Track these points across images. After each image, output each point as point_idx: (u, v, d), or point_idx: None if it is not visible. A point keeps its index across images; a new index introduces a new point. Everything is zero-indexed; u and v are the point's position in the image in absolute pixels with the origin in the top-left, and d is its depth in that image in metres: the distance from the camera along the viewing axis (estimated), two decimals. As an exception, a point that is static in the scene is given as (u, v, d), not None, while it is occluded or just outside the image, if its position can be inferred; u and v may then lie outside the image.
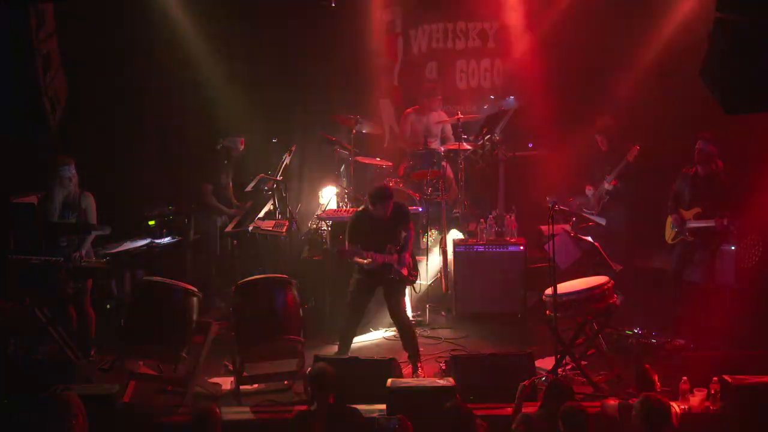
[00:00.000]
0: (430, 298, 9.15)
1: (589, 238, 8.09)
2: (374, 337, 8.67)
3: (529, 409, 5.96)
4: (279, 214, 9.46)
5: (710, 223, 8.36)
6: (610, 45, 10.33)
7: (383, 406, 6.43)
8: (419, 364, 7.69)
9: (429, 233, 9.53)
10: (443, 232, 9.49)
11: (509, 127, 10.46)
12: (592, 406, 6.13)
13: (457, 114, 10.04)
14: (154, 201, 9.91)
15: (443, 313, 9.20)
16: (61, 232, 7.82)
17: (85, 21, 9.49)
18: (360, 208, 7.91)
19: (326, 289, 9.09)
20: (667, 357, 7.65)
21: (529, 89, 10.83)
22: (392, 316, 7.80)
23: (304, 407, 5.97)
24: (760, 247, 9.44)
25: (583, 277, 7.95)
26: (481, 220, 9.41)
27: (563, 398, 5.63)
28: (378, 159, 10.40)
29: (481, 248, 9.22)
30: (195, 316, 7.31)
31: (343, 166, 10.33)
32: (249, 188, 9.42)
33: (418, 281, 8.13)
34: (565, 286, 7.57)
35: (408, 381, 6.97)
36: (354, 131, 10.06)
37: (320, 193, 10.35)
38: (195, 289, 7.41)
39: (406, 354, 7.75)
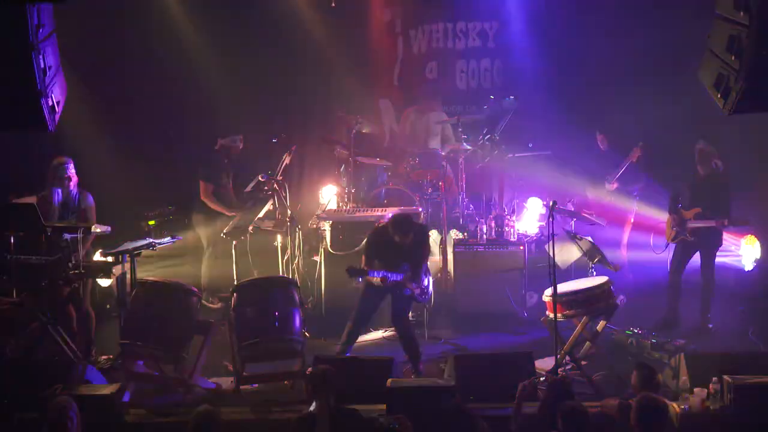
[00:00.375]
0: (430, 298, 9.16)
1: (589, 238, 8.09)
2: (374, 336, 8.67)
3: (529, 409, 5.96)
4: (279, 214, 9.46)
5: (710, 223, 8.36)
6: (609, 44, 10.33)
7: (383, 406, 6.43)
8: (419, 365, 7.69)
9: (429, 233, 9.52)
10: (443, 232, 9.49)
11: (509, 127, 10.47)
12: (592, 406, 6.13)
13: (457, 114, 10.03)
14: (154, 201, 9.92)
15: (443, 313, 9.18)
16: (61, 232, 7.82)
17: (85, 21, 9.50)
18: (381, 225, 7.89)
19: (325, 289, 9.09)
20: (667, 357, 7.64)
21: (529, 89, 10.83)
22: (394, 320, 7.78)
23: (304, 408, 5.95)
24: (760, 247, 9.46)
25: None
26: (481, 220, 9.41)
27: (563, 398, 5.63)
28: (378, 159, 10.40)
29: (481, 248, 9.23)
30: (195, 316, 7.31)
31: (343, 166, 10.34)
32: (249, 188, 9.41)
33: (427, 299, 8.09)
34: (565, 286, 7.57)
35: (408, 381, 6.97)
36: (354, 131, 10.07)
37: (320, 193, 10.35)
38: (195, 289, 7.41)
39: (408, 358, 7.74)
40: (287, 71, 10.86)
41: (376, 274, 7.50)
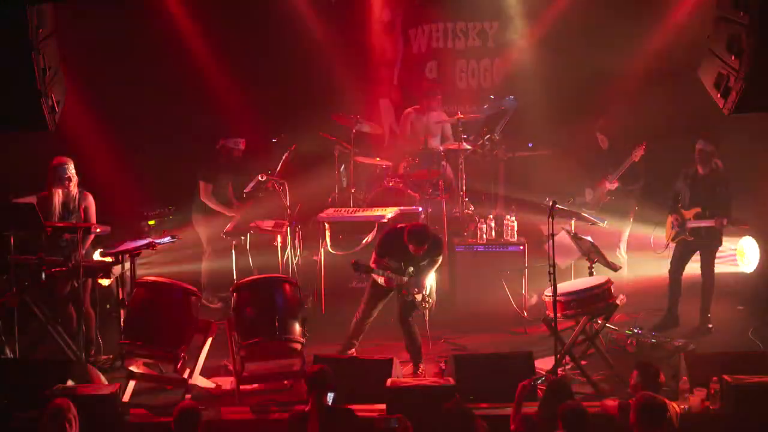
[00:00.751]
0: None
1: (589, 238, 8.08)
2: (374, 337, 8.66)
3: (529, 409, 5.96)
4: (278, 213, 9.45)
5: (710, 223, 8.36)
6: (610, 44, 10.33)
7: (383, 406, 6.43)
8: (420, 364, 7.70)
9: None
10: (443, 233, 9.48)
11: (509, 127, 10.46)
12: (592, 406, 6.13)
13: (457, 114, 10.04)
14: (154, 201, 9.92)
15: (443, 313, 9.17)
16: (60, 232, 7.82)
17: (86, 21, 9.51)
18: (398, 227, 7.88)
19: (325, 289, 9.08)
20: (667, 357, 7.64)
21: (529, 89, 10.83)
22: (399, 319, 7.80)
23: (303, 407, 5.96)
24: (760, 247, 9.46)
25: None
26: (481, 220, 9.41)
27: (563, 398, 5.63)
28: (378, 159, 10.40)
29: (481, 248, 9.23)
30: (195, 316, 7.31)
31: (343, 166, 10.33)
32: (248, 188, 9.41)
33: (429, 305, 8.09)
34: (565, 286, 7.57)
35: (408, 381, 6.97)
36: (354, 131, 10.07)
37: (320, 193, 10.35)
38: (195, 289, 7.40)
39: (407, 354, 7.76)
40: (287, 71, 10.86)
41: (381, 273, 7.53)
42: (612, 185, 9.44)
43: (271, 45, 10.84)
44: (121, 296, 7.83)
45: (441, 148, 10.39)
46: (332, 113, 10.26)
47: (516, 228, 9.33)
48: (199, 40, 10.60)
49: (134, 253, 7.79)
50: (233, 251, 8.73)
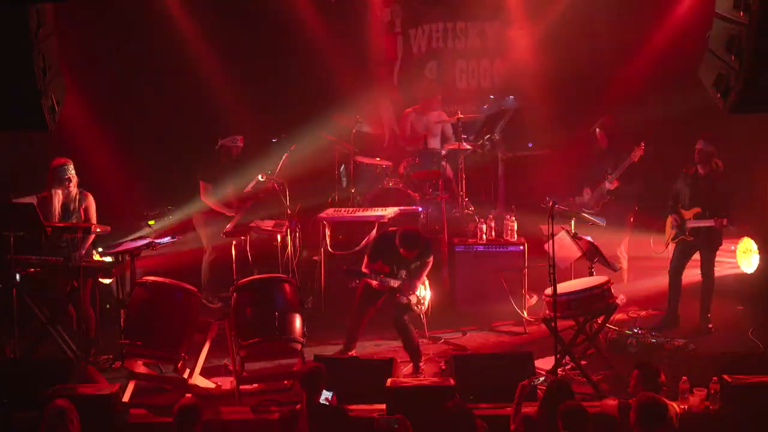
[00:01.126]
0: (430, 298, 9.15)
1: (589, 238, 8.08)
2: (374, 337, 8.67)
3: (529, 409, 5.96)
4: (279, 213, 9.44)
5: (710, 223, 8.36)
6: (610, 44, 10.33)
7: (383, 406, 6.43)
8: (420, 364, 7.70)
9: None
10: (443, 232, 9.48)
11: (509, 127, 10.46)
12: (592, 406, 6.13)
13: (457, 114, 10.04)
14: (154, 201, 9.91)
15: (443, 313, 9.17)
16: (60, 232, 7.82)
17: (86, 21, 9.51)
18: (389, 231, 7.94)
19: (325, 289, 9.09)
20: (667, 357, 7.64)
21: (529, 89, 10.83)
22: (394, 320, 7.81)
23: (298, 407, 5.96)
24: (760, 247, 9.45)
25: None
26: (481, 220, 9.41)
27: (563, 398, 5.63)
28: (378, 159, 10.40)
29: (481, 248, 9.23)
30: (195, 316, 7.31)
31: (343, 166, 10.33)
32: (248, 189, 9.41)
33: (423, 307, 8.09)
34: (565, 286, 7.56)
35: (408, 381, 6.97)
36: (354, 131, 10.07)
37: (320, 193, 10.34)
38: (195, 289, 7.40)
39: (407, 354, 7.76)
40: (287, 71, 10.86)
41: (373, 277, 7.57)
42: (612, 185, 9.44)
43: (272, 45, 10.84)
44: (121, 296, 7.82)
45: (441, 148, 10.39)
46: (332, 113, 10.26)
47: (516, 228, 9.33)
48: (199, 39, 10.60)
49: (134, 253, 7.79)
50: (233, 251, 8.72)
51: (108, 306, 8.81)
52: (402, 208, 9.58)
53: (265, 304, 7.25)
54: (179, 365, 7.14)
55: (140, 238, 8.24)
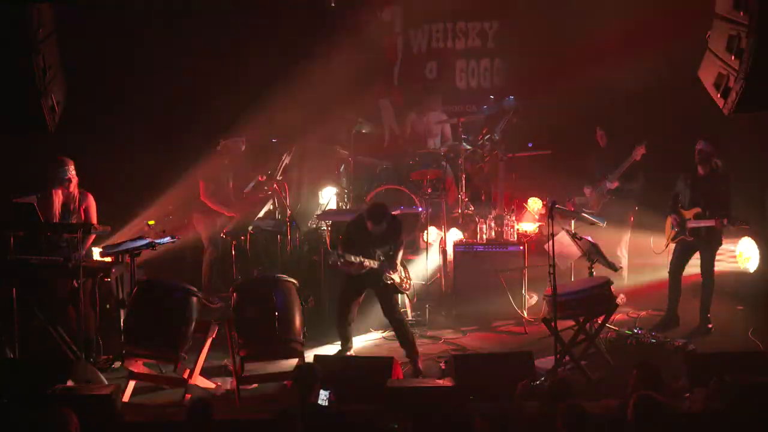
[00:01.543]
0: (430, 298, 9.15)
1: (589, 238, 8.09)
2: (374, 337, 8.67)
3: (529, 409, 5.96)
4: (279, 213, 9.46)
5: (710, 223, 8.36)
6: (610, 44, 10.33)
7: (383, 406, 6.42)
8: (417, 360, 7.68)
9: (428, 233, 9.52)
10: (443, 232, 9.49)
11: (509, 127, 10.46)
12: (592, 406, 6.12)
13: (457, 114, 10.04)
14: (154, 201, 9.91)
15: (443, 313, 9.18)
16: (60, 233, 7.82)
17: (86, 20, 9.50)
18: (357, 216, 7.93)
19: (325, 289, 9.09)
20: (667, 357, 7.64)
21: (528, 89, 10.83)
22: (386, 315, 7.82)
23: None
24: (760, 247, 9.46)
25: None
26: (481, 220, 9.41)
27: (563, 398, 5.63)
28: (378, 159, 10.40)
29: (481, 248, 9.24)
30: (195, 316, 7.31)
31: (343, 166, 10.33)
32: (248, 189, 9.42)
33: (414, 283, 8.08)
34: (565, 286, 7.57)
35: (408, 381, 6.96)
36: (354, 131, 10.07)
37: (320, 193, 10.35)
38: (195, 289, 7.40)
39: (406, 353, 7.75)
40: (287, 71, 10.86)
41: (353, 259, 7.51)
42: (612, 185, 9.44)
43: (272, 45, 10.85)
44: (121, 296, 7.82)
45: (441, 149, 10.39)
46: (332, 113, 10.27)
47: (516, 228, 9.33)
48: (201, 39, 10.60)
49: (134, 253, 7.79)
50: (233, 251, 8.72)
51: (108, 306, 8.80)
52: (402, 208, 9.58)
53: (266, 304, 7.24)
54: (179, 365, 7.13)
55: (140, 237, 8.22)
